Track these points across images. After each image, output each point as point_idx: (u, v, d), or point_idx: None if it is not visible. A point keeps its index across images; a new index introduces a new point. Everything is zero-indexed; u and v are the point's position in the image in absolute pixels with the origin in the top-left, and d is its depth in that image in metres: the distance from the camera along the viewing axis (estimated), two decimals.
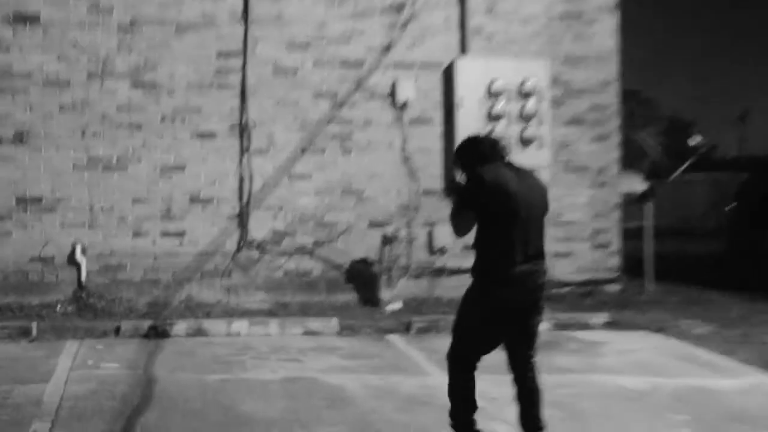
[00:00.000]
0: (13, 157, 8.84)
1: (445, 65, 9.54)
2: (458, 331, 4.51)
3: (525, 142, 9.56)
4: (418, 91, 9.48)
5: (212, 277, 9.12)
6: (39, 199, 8.89)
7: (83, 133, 8.96)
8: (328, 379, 6.37)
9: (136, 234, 9.02)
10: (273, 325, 8.21)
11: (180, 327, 8.07)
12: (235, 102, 9.17)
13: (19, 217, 8.85)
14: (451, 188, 4.98)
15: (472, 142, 4.61)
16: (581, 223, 9.79)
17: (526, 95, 9.56)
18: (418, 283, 9.38)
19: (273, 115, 9.25)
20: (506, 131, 9.36)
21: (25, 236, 8.84)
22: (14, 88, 8.84)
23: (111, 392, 5.96)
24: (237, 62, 9.18)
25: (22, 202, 8.86)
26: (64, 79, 8.91)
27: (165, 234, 9.06)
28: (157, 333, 7.94)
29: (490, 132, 9.29)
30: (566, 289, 9.52)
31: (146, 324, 8.02)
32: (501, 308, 4.38)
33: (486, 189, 4.32)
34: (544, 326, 8.03)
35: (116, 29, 9.01)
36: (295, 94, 9.29)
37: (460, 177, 4.55)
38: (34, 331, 7.85)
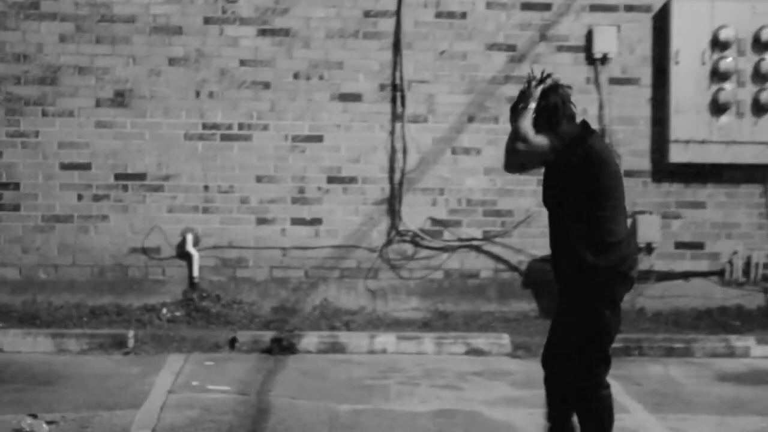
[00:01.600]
0: (112, 122, 8.89)
1: (656, 8, 9.15)
2: (594, 341, 4.84)
3: (760, 108, 9.04)
4: (621, 42, 9.11)
5: (354, 277, 9.06)
6: (142, 176, 8.91)
7: (197, 93, 8.94)
8: (494, 414, 6.41)
9: (261, 221, 8.98)
10: (428, 342, 8.19)
11: (310, 340, 8.11)
12: (387, 56, 9.02)
13: (118, 198, 8.91)
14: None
15: (558, 92, 4.90)
16: None
17: (763, 47, 9.05)
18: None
19: (434, 73, 9.05)
20: (735, 95, 8.95)
21: (125, 221, 8.91)
22: (114, 37, 8.87)
23: (216, 424, 6.03)
24: (389, 4, 9.00)
25: (122, 178, 8.90)
26: (174, 25, 8.91)
27: (296, 221, 9.01)
28: (282, 347, 8.00)
29: (716, 94, 8.97)
30: None
31: (269, 335, 8.11)
32: (619, 301, 4.94)
33: (608, 171, 4.86)
34: None
35: None
36: (463, 45, 9.05)
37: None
38: (131, 342, 7.98)
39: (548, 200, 4.97)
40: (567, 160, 4.77)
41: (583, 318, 4.81)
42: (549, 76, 4.92)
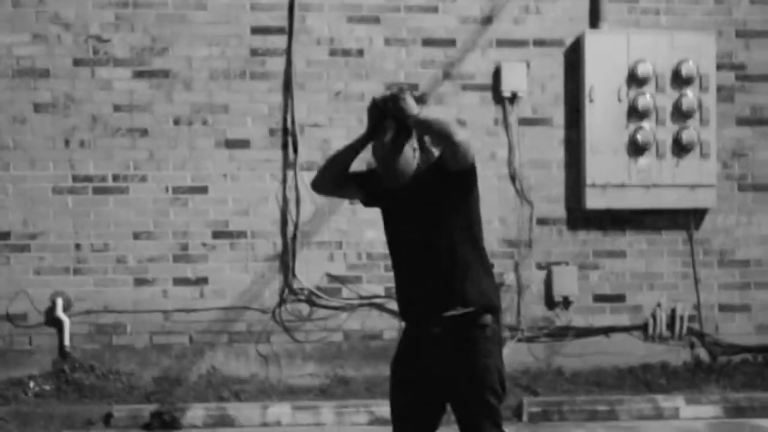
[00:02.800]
0: None
1: (568, 43, 9.27)
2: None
3: (682, 148, 9.18)
4: (532, 79, 9.22)
5: (245, 342, 8.99)
6: (6, 235, 8.81)
7: (67, 142, 8.87)
8: None
9: (140, 282, 8.90)
10: (326, 411, 8.15)
11: (195, 414, 7.99)
12: (277, 98, 9.02)
13: None
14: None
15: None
16: (764, 264, 9.43)
17: (683, 83, 9.21)
18: (531, 349, 9.16)
19: (329, 116, 9.07)
20: (654, 134, 9.10)
21: None
22: None
23: None
24: (279, 42, 9.01)
25: None
26: (40, 68, 8.86)
27: (179, 282, 8.94)
28: (164, 422, 7.85)
29: (634, 134, 9.08)
30: (740, 357, 9.33)
31: (149, 409, 7.96)
32: None
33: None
34: (711, 411, 8.29)
35: None
36: (360, 85, 9.08)
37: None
38: None
39: (418, 228, 4.74)
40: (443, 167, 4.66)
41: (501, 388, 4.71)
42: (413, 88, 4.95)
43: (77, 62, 8.84)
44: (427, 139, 4.76)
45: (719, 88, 9.30)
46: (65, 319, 8.72)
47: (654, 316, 9.25)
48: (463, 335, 4.64)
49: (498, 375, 4.69)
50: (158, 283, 8.91)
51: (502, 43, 9.20)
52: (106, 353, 8.83)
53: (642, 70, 9.08)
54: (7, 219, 8.77)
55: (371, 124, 4.81)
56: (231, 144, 8.96)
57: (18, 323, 8.77)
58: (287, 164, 9.00)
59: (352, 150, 4.92)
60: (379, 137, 4.76)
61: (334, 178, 4.96)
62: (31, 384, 8.53)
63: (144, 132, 8.89)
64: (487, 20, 9.17)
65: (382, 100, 4.78)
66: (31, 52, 8.81)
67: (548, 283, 9.22)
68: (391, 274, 8.42)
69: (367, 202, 5.04)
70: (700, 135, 9.18)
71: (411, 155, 4.73)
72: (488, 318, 4.70)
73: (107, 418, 7.89)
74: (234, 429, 7.90)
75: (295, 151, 8.98)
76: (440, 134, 4.55)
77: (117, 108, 8.87)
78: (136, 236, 8.87)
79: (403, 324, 4.96)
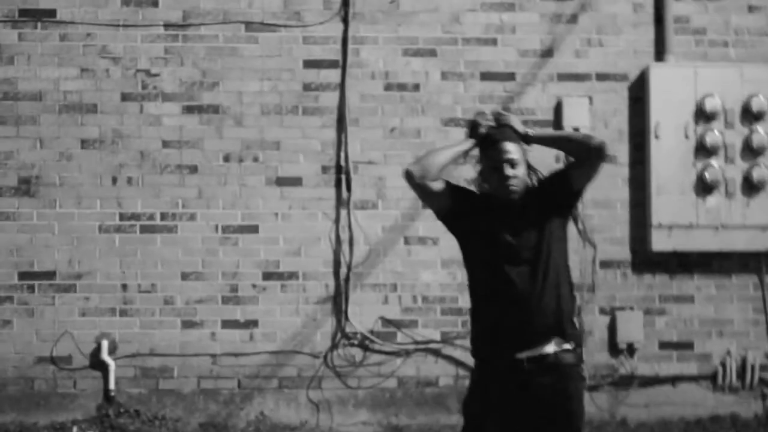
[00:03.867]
0: (16, 213, 8.81)
1: (633, 77, 9.20)
2: None
3: (752, 187, 9.03)
4: (594, 115, 9.13)
5: (295, 388, 8.93)
6: (51, 274, 8.80)
7: (114, 179, 8.89)
8: None
9: (188, 324, 8.87)
10: None
11: None
12: (330, 134, 9.01)
13: (23, 300, 8.78)
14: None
15: None
16: None
17: (753, 118, 9.07)
18: (594, 398, 8.88)
19: (384, 152, 9.04)
20: (723, 173, 8.97)
21: (31, 327, 8.76)
22: (19, 116, 8.84)
23: None
24: (332, 76, 9.01)
25: (28, 277, 8.78)
26: (87, 103, 8.89)
27: (228, 324, 8.88)
28: None
29: (702, 172, 8.96)
30: None
31: None
32: None
33: None
34: None
35: (162, 30, 8.96)
36: (416, 121, 9.06)
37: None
38: None
39: (521, 251, 4.78)
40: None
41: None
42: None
43: (125, 97, 8.88)
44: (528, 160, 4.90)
45: None
46: (110, 362, 8.71)
47: (723, 365, 9.02)
48: (560, 373, 4.63)
49: (583, 420, 4.73)
50: (206, 326, 8.87)
51: (563, 77, 9.14)
52: (152, 398, 8.80)
53: (710, 105, 8.94)
54: (53, 258, 8.78)
55: (475, 142, 4.96)
56: (282, 182, 8.94)
57: (62, 366, 8.76)
58: (340, 203, 8.97)
59: (456, 152, 4.99)
60: (492, 152, 4.88)
61: (433, 170, 4.89)
62: (75, 429, 8.52)
63: (193, 169, 8.89)
64: (548, 53, 9.12)
65: (487, 123, 4.95)
66: (79, 86, 8.85)
67: (612, 329, 9.05)
68: (447, 318, 8.96)
69: (449, 215, 4.98)
70: None
71: (525, 171, 4.84)
72: (580, 355, 4.75)
73: None
74: None
75: (349, 189, 8.95)
76: (574, 139, 4.90)
77: (166, 144, 8.89)
78: (184, 277, 8.86)
79: (475, 361, 4.86)
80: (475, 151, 5.10)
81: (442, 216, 5.01)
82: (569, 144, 4.89)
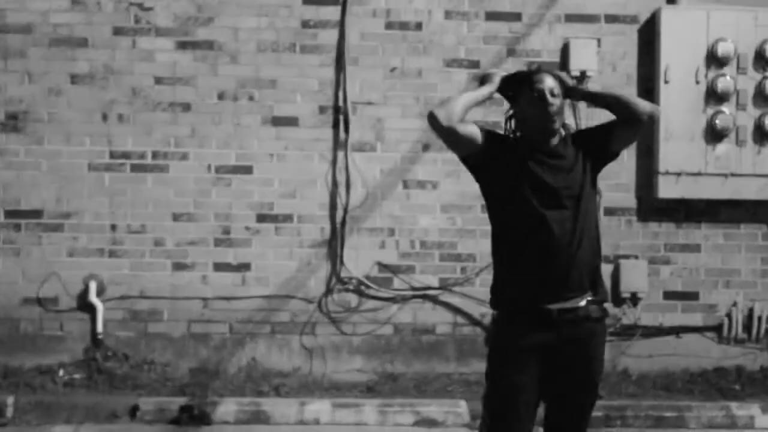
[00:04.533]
0: (3, 150, 8.76)
1: (643, 19, 9.08)
2: None
3: (764, 135, 8.93)
4: (602, 58, 9.02)
5: (288, 333, 8.92)
6: (38, 213, 8.77)
7: (105, 116, 8.79)
8: None
9: (179, 266, 8.83)
10: (369, 410, 8.06)
11: (228, 409, 7.96)
12: (328, 73, 8.92)
13: (9, 239, 8.76)
14: None
15: None
16: None
17: (766, 64, 8.94)
18: None
19: (384, 93, 8.95)
20: (735, 120, 8.88)
21: (17, 267, 8.76)
22: (6, 50, 8.72)
23: None
24: (332, 13, 8.91)
25: (14, 216, 8.76)
26: (78, 37, 8.76)
27: (220, 267, 8.86)
28: (193, 417, 7.85)
29: (712, 119, 8.87)
30: None
31: (177, 403, 7.95)
32: None
33: None
34: None
35: None
36: (418, 61, 8.96)
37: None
38: (10, 411, 7.79)
39: (561, 193, 4.70)
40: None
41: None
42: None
43: (117, 31, 8.78)
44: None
45: None
46: (98, 305, 8.67)
47: (729, 316, 8.95)
48: (589, 327, 4.65)
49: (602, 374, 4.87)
50: (198, 268, 8.84)
51: (571, 18, 9.02)
52: (141, 342, 8.81)
53: (722, 49, 8.81)
54: (40, 196, 8.74)
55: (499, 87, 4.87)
56: (278, 122, 8.88)
57: (49, 307, 8.76)
58: (338, 144, 8.92)
59: (481, 95, 4.85)
60: (531, 85, 4.78)
61: (459, 111, 4.72)
62: (61, 372, 8.52)
63: (186, 107, 8.81)
64: None
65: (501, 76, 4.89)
66: (69, 19, 8.75)
67: (615, 278, 8.99)
68: (446, 264, 8.92)
69: (480, 159, 4.79)
70: None
71: (563, 107, 4.80)
72: (606, 310, 4.78)
73: (133, 411, 7.85)
74: (268, 426, 7.83)
75: (347, 130, 8.89)
76: (624, 101, 4.79)
77: (158, 81, 8.82)
78: (176, 218, 8.82)
79: (498, 311, 4.78)
80: (504, 102, 5.03)
81: (471, 162, 4.82)
82: (618, 105, 4.77)
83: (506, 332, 4.72)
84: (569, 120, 4.90)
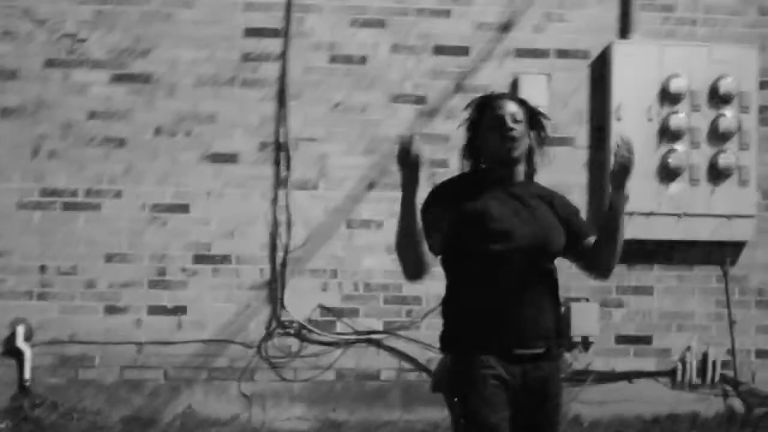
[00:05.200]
0: None
1: (594, 55, 9.07)
2: None
3: (718, 174, 8.92)
4: (553, 94, 8.98)
5: (226, 379, 8.80)
6: None
7: (35, 152, 8.67)
8: None
9: (111, 309, 8.70)
10: None
11: None
12: (269, 108, 8.84)
13: None
14: None
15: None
16: None
17: (721, 102, 8.95)
18: None
19: (327, 129, 8.91)
20: (688, 158, 8.85)
21: None
22: None
23: None
24: (274, 45, 8.85)
25: None
26: (8, 69, 8.66)
27: (155, 310, 8.74)
28: None
29: (665, 157, 8.86)
30: None
31: None
32: None
33: None
34: None
35: None
36: (363, 96, 8.91)
37: None
38: None
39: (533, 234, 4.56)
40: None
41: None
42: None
43: (50, 63, 8.68)
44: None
45: (761, 109, 9.06)
46: (26, 350, 8.52)
47: (683, 361, 8.88)
48: (550, 371, 4.59)
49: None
50: (131, 312, 8.73)
51: (521, 53, 9.01)
52: (71, 388, 8.64)
53: (676, 86, 8.80)
54: None
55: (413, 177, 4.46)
56: (217, 158, 8.79)
57: None
58: (279, 182, 8.84)
59: (403, 225, 4.50)
60: (491, 111, 4.66)
61: (413, 265, 4.54)
62: None
63: (121, 142, 8.71)
64: (505, 27, 8.98)
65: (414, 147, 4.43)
66: None
67: (566, 322, 8.87)
68: (391, 307, 8.79)
69: (450, 225, 4.58)
70: (739, 160, 8.89)
71: (527, 137, 4.65)
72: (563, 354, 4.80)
73: None
74: None
75: (288, 167, 8.82)
76: (615, 250, 4.75)
77: (92, 115, 8.70)
78: (109, 258, 8.71)
79: (455, 354, 4.59)
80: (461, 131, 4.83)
81: (446, 228, 4.62)
82: (607, 247, 4.71)
83: (468, 375, 4.59)
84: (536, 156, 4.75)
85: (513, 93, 8.68)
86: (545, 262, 4.58)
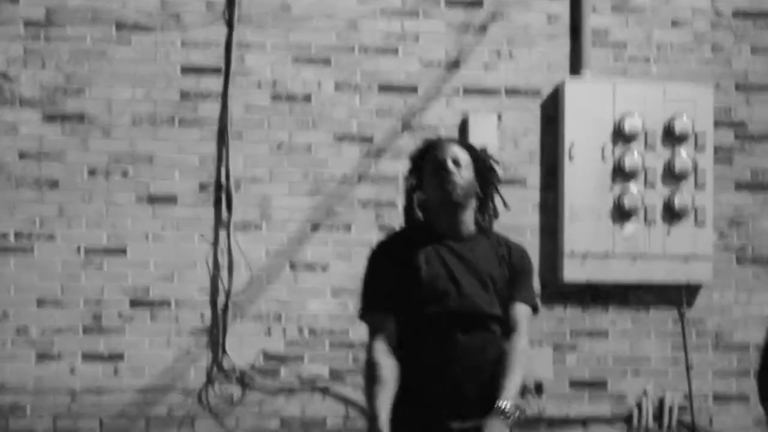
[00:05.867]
0: None
1: (546, 93, 9.04)
2: None
3: (674, 215, 8.86)
4: (503, 133, 8.93)
5: (165, 428, 8.66)
6: None
7: None
8: None
9: (44, 357, 8.55)
10: None
11: None
12: (209, 148, 8.74)
13: None
14: None
15: None
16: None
17: (676, 141, 8.91)
18: None
19: (270, 169, 8.82)
20: (643, 198, 8.82)
21: None
22: None
23: None
24: (214, 84, 8.77)
25: None
26: None
27: (90, 357, 8.58)
28: None
29: (619, 197, 8.81)
30: None
31: None
32: None
33: None
34: None
35: (22, 29, 8.71)
36: (306, 135, 8.83)
37: None
38: None
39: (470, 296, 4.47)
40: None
41: None
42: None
43: None
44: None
45: (717, 149, 9.03)
46: None
47: (639, 406, 8.77)
48: None
49: None
50: (65, 358, 8.55)
51: (469, 91, 8.95)
52: None
53: (629, 125, 8.74)
54: None
55: None
56: (155, 199, 8.68)
57: None
58: (220, 224, 8.72)
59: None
60: (433, 155, 4.63)
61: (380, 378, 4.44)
62: None
63: (54, 184, 8.58)
64: (454, 65, 8.93)
65: None
66: None
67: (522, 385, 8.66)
68: (336, 353, 8.63)
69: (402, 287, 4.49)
70: (695, 200, 8.86)
71: (472, 181, 4.56)
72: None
73: None
74: None
75: (229, 209, 8.69)
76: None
77: (22, 155, 8.57)
78: (41, 303, 8.55)
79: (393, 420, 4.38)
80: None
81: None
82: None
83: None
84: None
85: (459, 138, 8.65)
86: (490, 326, 4.44)
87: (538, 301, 4.72)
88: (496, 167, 4.79)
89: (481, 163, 4.62)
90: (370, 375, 4.45)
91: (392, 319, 4.46)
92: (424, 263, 4.41)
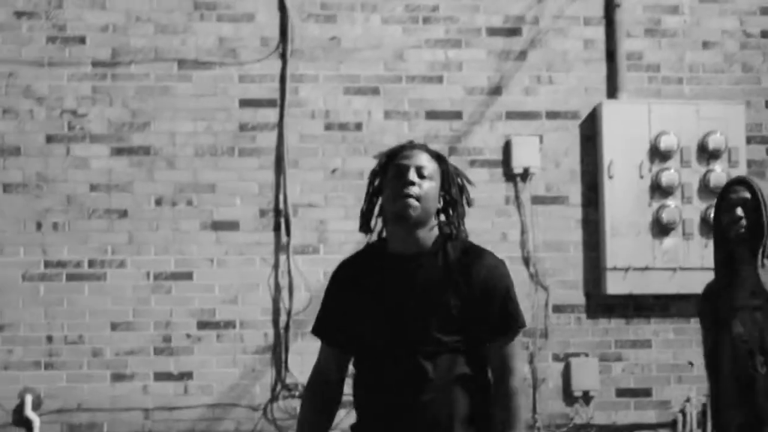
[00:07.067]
0: None
1: (584, 115, 9.16)
2: None
3: (710, 228, 8.56)
4: (545, 154, 9.08)
5: None
6: None
7: (39, 225, 8.69)
8: None
9: (118, 377, 8.67)
10: None
11: None
12: (268, 176, 8.88)
13: None
14: None
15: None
16: None
17: (710, 157, 9.06)
18: None
19: (325, 195, 8.94)
20: (680, 213, 8.92)
21: None
22: None
23: None
24: (270, 115, 8.91)
25: None
26: (10, 145, 8.74)
27: (161, 377, 8.70)
28: None
29: (658, 213, 8.90)
30: None
31: None
32: None
33: None
34: None
35: (90, 69, 8.84)
36: (359, 161, 8.89)
37: None
38: None
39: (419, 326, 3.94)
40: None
41: None
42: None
43: (50, 139, 8.74)
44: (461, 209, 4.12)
45: (749, 163, 9.13)
46: (35, 419, 8.49)
47: (684, 412, 8.89)
48: None
49: None
50: (138, 379, 8.68)
51: (512, 115, 9.08)
52: None
53: (665, 143, 8.89)
54: None
55: None
56: (218, 226, 8.80)
57: None
58: (279, 247, 8.83)
59: None
60: (397, 162, 4.09)
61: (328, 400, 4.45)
62: None
63: (123, 213, 8.74)
64: (496, 91, 9.06)
65: None
66: (0, 128, 8.72)
67: (566, 377, 8.93)
68: None
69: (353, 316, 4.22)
70: None
71: (435, 194, 4.02)
72: None
73: None
74: None
75: (288, 233, 8.82)
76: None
77: (93, 188, 8.74)
78: (114, 327, 8.67)
79: None
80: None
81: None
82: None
83: None
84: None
85: (503, 159, 8.92)
86: (454, 357, 3.93)
87: (523, 316, 4.12)
88: (468, 187, 4.14)
89: (449, 177, 4.05)
90: (302, 403, 4.48)
91: (336, 351, 4.25)
92: (375, 289, 4.02)
